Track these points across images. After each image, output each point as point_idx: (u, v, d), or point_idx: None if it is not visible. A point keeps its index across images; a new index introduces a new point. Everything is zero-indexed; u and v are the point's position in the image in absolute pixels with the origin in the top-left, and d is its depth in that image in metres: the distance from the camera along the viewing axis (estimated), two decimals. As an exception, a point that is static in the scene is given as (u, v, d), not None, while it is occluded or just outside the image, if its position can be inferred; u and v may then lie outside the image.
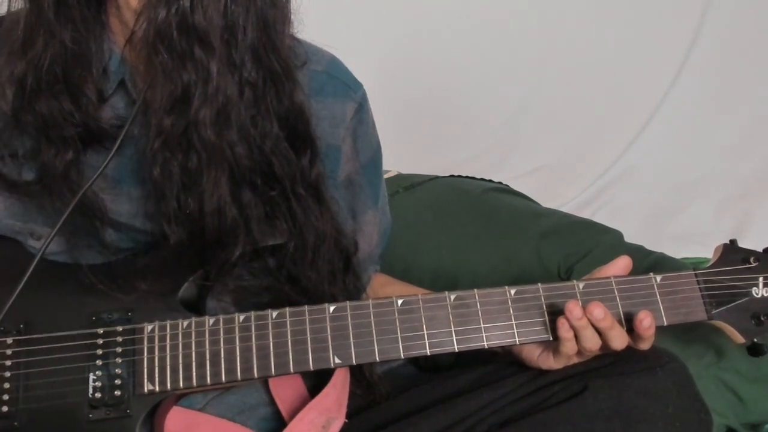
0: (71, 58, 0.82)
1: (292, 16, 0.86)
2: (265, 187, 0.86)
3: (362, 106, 0.99)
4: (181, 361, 0.84)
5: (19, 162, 0.86)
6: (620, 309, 0.88)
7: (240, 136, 0.82)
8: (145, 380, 0.84)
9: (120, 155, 0.87)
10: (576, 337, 0.86)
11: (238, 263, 0.87)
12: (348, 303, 0.87)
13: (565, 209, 1.93)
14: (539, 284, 0.89)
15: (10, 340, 0.85)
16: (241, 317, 0.86)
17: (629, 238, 1.54)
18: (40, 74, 0.81)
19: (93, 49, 0.84)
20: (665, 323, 0.89)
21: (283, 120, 0.85)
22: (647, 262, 1.42)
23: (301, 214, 0.88)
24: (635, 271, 0.92)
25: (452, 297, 0.88)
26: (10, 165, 0.86)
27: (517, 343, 0.88)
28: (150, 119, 0.81)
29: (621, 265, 0.92)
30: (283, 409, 0.95)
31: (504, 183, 1.74)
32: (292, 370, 0.85)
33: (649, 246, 1.51)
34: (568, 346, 0.87)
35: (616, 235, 1.52)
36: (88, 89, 0.83)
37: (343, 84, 0.98)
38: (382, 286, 1.10)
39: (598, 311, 0.85)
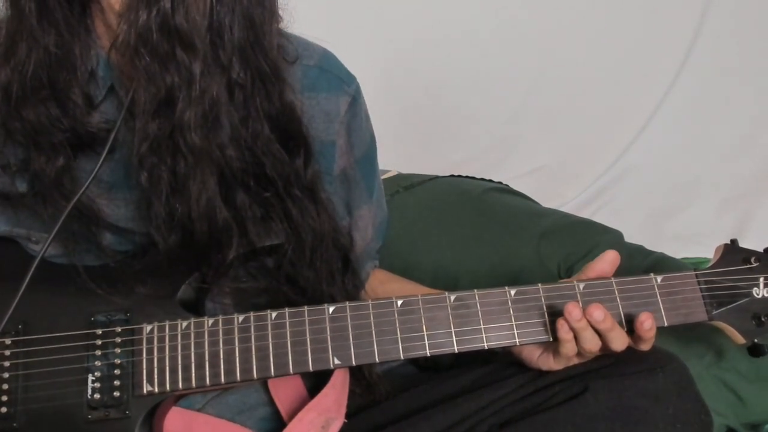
0: (56, 64, 0.81)
1: (281, 12, 0.85)
2: (258, 188, 0.86)
3: (356, 100, 0.98)
4: (180, 362, 0.84)
5: (11, 173, 0.86)
6: (621, 310, 0.88)
7: (230, 138, 0.81)
8: (144, 381, 0.84)
9: (113, 160, 0.86)
10: (576, 338, 0.86)
11: (233, 265, 0.87)
12: (347, 303, 0.87)
13: (565, 209, 1.93)
14: (539, 285, 0.89)
15: (8, 341, 0.85)
16: (240, 318, 0.86)
17: (629, 238, 1.54)
18: (24, 81, 0.80)
19: (77, 54, 0.83)
20: (666, 324, 0.89)
21: (273, 121, 0.85)
22: (647, 262, 1.42)
23: (298, 215, 0.88)
24: (635, 271, 0.92)
25: (452, 297, 0.88)
26: (2, 177, 0.86)
27: (517, 343, 0.88)
28: (135, 124, 0.80)
29: (608, 259, 0.92)
30: (283, 409, 0.95)
31: (504, 183, 1.74)
32: (291, 371, 0.85)
33: (649, 246, 1.51)
34: (568, 348, 0.87)
35: (616, 235, 1.52)
36: (74, 94, 0.83)
37: (336, 78, 0.96)
38: (381, 282, 1.10)
39: (597, 313, 0.84)
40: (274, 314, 0.86)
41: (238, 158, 0.82)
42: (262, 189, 0.86)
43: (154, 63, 0.76)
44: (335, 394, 0.94)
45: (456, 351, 0.87)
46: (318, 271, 0.91)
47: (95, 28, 0.85)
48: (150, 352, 0.85)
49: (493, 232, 1.49)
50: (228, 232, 0.84)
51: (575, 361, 0.91)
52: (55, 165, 0.83)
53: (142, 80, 0.77)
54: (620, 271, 0.92)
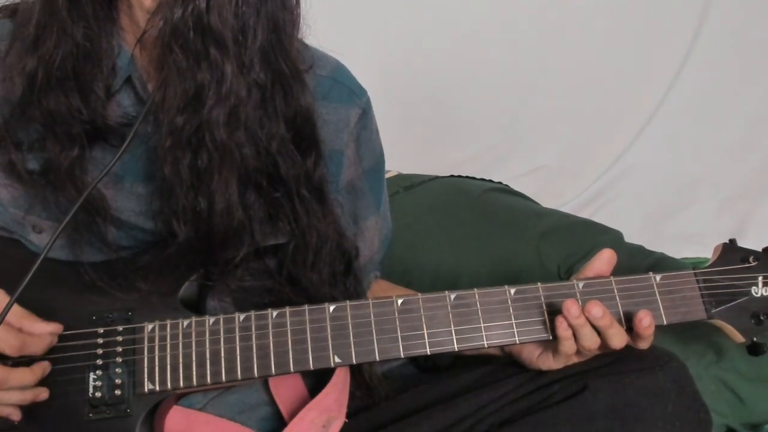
0: (83, 56, 0.82)
1: (301, 22, 0.86)
2: (269, 188, 0.87)
3: (366, 112, 1.00)
4: (181, 360, 0.85)
5: (23, 152, 0.86)
6: (620, 308, 0.88)
7: (247, 137, 0.82)
8: (146, 380, 0.84)
9: (125, 152, 0.87)
10: (575, 335, 0.86)
11: (240, 264, 0.87)
12: (348, 302, 0.87)
13: (565, 209, 1.93)
14: (539, 284, 0.89)
15: (10, 340, 0.85)
16: (242, 317, 0.86)
17: (629, 238, 1.54)
18: (50, 70, 0.81)
19: (104, 47, 0.84)
20: (665, 322, 0.89)
21: (290, 122, 0.86)
22: (647, 262, 1.42)
23: (304, 216, 0.89)
24: (635, 271, 0.92)
25: (452, 296, 0.88)
26: (15, 154, 0.86)
27: (517, 342, 0.88)
28: (161, 117, 0.81)
29: (604, 258, 0.92)
30: (284, 408, 0.96)
31: (504, 183, 1.74)
32: (292, 370, 0.85)
33: (649, 246, 1.52)
34: (567, 345, 0.87)
35: (616, 235, 1.52)
36: (97, 87, 0.84)
37: (348, 89, 0.98)
38: (383, 291, 1.10)
39: (596, 310, 0.85)
40: (275, 313, 0.86)
41: (253, 157, 0.83)
42: (273, 189, 0.87)
43: (187, 60, 0.78)
44: (336, 393, 0.94)
45: (456, 349, 0.87)
46: (321, 273, 0.92)
47: (119, 21, 0.86)
48: (151, 350, 0.85)
49: (493, 232, 1.50)
50: (240, 231, 0.85)
51: (575, 360, 0.91)
52: (70, 155, 0.84)
53: (173, 75, 0.78)
54: (620, 271, 0.92)
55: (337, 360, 0.85)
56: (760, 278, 0.91)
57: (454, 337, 0.87)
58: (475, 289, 0.88)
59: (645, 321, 0.86)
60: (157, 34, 0.78)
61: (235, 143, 0.81)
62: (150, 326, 0.86)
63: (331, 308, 0.87)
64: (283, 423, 0.93)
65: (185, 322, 0.86)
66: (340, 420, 0.94)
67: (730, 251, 0.93)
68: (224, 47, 0.78)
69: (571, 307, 0.85)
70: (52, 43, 0.81)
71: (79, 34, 0.81)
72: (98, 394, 0.84)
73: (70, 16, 0.81)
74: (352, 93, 0.98)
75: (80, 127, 0.83)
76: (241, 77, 0.80)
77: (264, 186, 0.86)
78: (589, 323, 0.85)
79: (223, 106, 0.79)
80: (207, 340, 0.85)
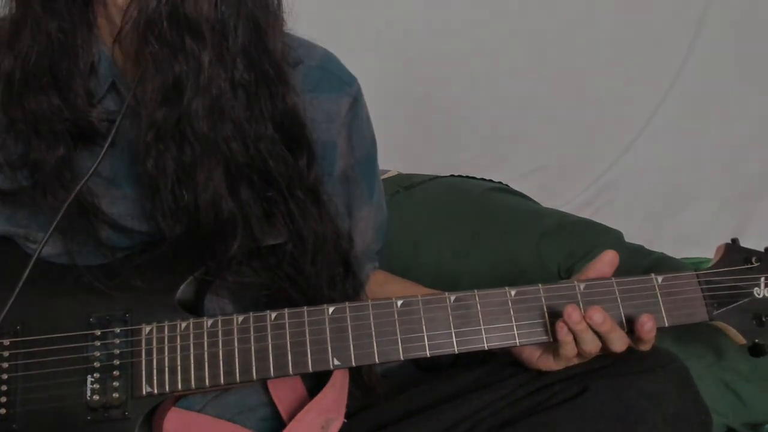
0: (58, 51, 0.82)
1: (286, 15, 0.85)
2: (262, 184, 0.86)
3: (357, 101, 0.99)
4: (179, 363, 0.84)
5: (13, 168, 0.85)
6: (621, 311, 0.88)
7: (234, 132, 0.82)
8: (144, 382, 0.84)
9: (114, 155, 0.86)
10: (575, 339, 0.86)
11: (236, 258, 0.87)
12: (347, 304, 0.87)
13: (565, 209, 1.92)
14: (540, 285, 0.89)
15: (7, 342, 0.84)
16: (240, 318, 0.85)
17: (629, 238, 1.54)
18: (27, 68, 0.81)
19: (79, 43, 0.83)
20: (667, 325, 0.88)
21: (277, 123, 0.85)
22: (647, 262, 1.42)
23: (300, 216, 0.88)
24: (635, 271, 0.92)
25: (452, 298, 0.88)
26: (4, 173, 0.86)
27: (518, 344, 0.88)
28: (142, 112, 0.80)
29: (606, 260, 0.92)
30: (282, 409, 0.95)
31: (504, 183, 1.74)
32: (291, 372, 0.85)
33: (649, 246, 1.51)
34: (568, 349, 0.87)
35: (616, 235, 1.52)
36: (75, 84, 0.83)
37: (338, 78, 0.97)
38: (380, 284, 1.10)
39: (597, 316, 0.84)
40: (273, 315, 0.86)
41: (241, 153, 0.83)
42: (266, 186, 0.86)
43: (163, 51, 0.77)
44: (335, 394, 0.94)
45: (456, 351, 0.86)
46: (319, 274, 0.91)
47: (97, 24, 0.85)
48: (149, 353, 0.85)
49: (493, 232, 1.50)
50: (233, 224, 0.84)
51: (575, 361, 0.91)
52: (56, 154, 0.83)
53: (150, 68, 0.78)
54: (620, 271, 0.92)
55: (336, 362, 0.85)
56: (762, 279, 0.90)
57: (454, 339, 0.87)
58: (475, 291, 0.88)
59: (647, 325, 0.85)
60: (132, 26, 0.78)
61: (221, 137, 0.81)
62: (148, 328, 0.85)
63: (330, 310, 0.86)
64: (282, 424, 0.93)
65: (183, 324, 0.85)
66: (339, 420, 0.94)
67: (733, 252, 0.92)
68: (200, 37, 0.77)
69: (572, 313, 0.84)
70: (27, 40, 0.81)
71: (53, 29, 0.81)
72: (96, 397, 0.83)
73: (44, 11, 0.81)
74: (342, 82, 0.98)
75: (63, 125, 0.83)
76: (219, 68, 0.79)
77: (256, 182, 0.86)
78: (590, 328, 0.85)
79: (203, 98, 0.78)
80: (205, 343, 0.85)
